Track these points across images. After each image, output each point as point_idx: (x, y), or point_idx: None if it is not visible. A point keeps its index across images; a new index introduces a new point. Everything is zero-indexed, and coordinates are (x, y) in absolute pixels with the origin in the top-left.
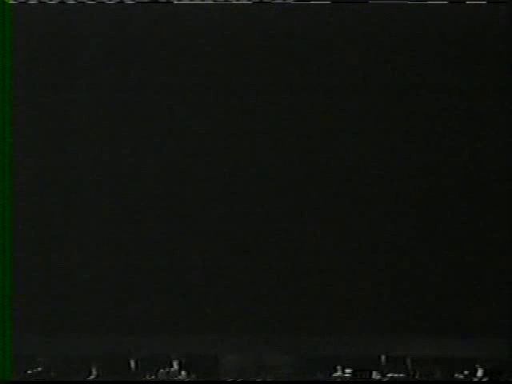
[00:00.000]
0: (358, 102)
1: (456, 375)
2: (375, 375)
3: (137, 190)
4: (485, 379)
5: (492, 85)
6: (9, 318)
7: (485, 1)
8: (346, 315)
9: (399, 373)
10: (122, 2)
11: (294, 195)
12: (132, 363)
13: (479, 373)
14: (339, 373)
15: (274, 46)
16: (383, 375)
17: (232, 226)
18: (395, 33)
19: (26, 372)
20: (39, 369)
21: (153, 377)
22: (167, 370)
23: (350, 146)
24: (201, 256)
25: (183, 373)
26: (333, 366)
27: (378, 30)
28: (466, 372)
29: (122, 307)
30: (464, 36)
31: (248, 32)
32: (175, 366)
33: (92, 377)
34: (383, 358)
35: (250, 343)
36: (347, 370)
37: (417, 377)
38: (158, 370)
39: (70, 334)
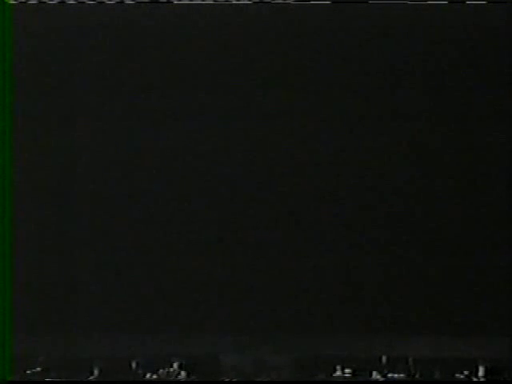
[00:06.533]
0: (357, 102)
1: (456, 375)
2: (375, 375)
3: (137, 190)
4: (486, 379)
5: (492, 85)
6: (9, 317)
7: (485, 1)
8: (346, 315)
9: (399, 373)
10: (122, 2)
11: (294, 195)
12: (133, 363)
13: (480, 372)
14: (339, 373)
15: (273, 46)
16: (383, 375)
17: (232, 226)
18: (395, 33)
19: (25, 372)
20: (39, 369)
21: (154, 376)
22: (167, 369)
23: (350, 145)
24: (201, 256)
25: (183, 373)
26: (333, 366)
27: (378, 29)
28: (466, 372)
29: (123, 307)
30: (464, 36)
31: (248, 32)
32: (175, 366)
33: (93, 377)
34: (383, 358)
35: (250, 343)
36: (347, 370)
37: (417, 377)
38: (158, 370)
39: (70, 334)
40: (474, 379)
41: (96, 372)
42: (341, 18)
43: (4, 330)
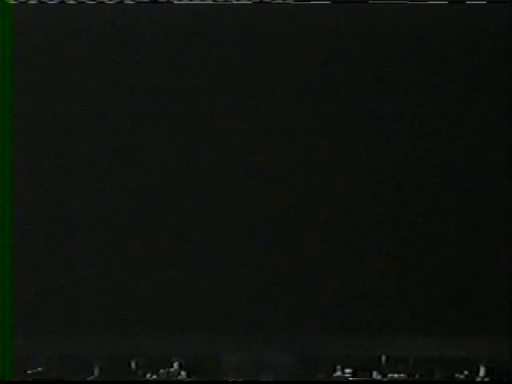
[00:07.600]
0: (357, 103)
1: (456, 375)
2: (375, 375)
3: (136, 189)
4: (487, 379)
5: (492, 85)
6: (9, 317)
7: (485, 1)
8: (346, 315)
9: (399, 373)
10: (122, 2)
11: (294, 195)
12: (132, 363)
13: (481, 372)
14: (339, 373)
15: (274, 46)
16: (383, 375)
17: (231, 225)
18: (395, 33)
19: (25, 372)
20: (39, 369)
21: (154, 376)
22: (167, 369)
23: (349, 146)
24: (200, 255)
25: (183, 373)
26: (333, 366)
27: (378, 30)
28: (466, 372)
29: (122, 307)
30: (464, 36)
31: (248, 32)
32: (175, 366)
33: (93, 377)
34: (383, 357)
35: (250, 343)
36: (347, 370)
37: (417, 377)
38: (157, 370)
39: (69, 334)
40: (477, 379)
41: (96, 372)
42: (341, 18)
43: (4, 330)
